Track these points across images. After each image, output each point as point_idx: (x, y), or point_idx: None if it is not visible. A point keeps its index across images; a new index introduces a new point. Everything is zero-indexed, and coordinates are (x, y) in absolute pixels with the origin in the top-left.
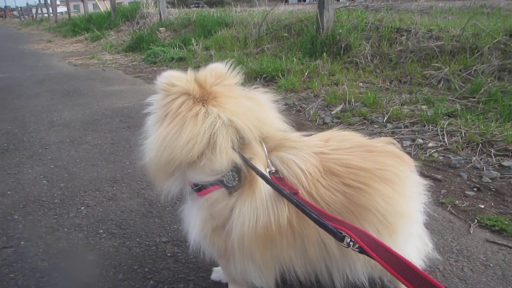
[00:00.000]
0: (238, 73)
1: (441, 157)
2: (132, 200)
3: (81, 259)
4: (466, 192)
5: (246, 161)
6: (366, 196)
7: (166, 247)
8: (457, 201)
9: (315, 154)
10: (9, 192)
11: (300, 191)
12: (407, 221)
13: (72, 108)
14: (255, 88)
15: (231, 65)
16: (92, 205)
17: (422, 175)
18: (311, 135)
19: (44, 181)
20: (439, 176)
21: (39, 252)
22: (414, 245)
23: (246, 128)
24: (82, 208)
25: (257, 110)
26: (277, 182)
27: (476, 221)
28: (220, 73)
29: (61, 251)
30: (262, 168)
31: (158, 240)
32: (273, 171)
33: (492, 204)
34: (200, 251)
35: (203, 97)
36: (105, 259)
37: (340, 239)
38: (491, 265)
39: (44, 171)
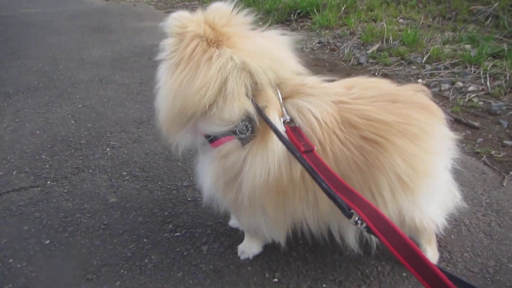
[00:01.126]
0: (246, 13)
1: (481, 102)
2: (156, 142)
3: (104, 201)
4: (504, 141)
5: (260, 111)
6: (384, 154)
7: (187, 191)
8: (493, 151)
9: (333, 103)
10: (38, 132)
11: (315, 148)
12: (430, 180)
13: (102, 45)
14: (271, 28)
15: (236, 4)
16: (117, 146)
17: (458, 122)
18: (334, 80)
19: (72, 121)
20: (476, 124)
21: (64, 193)
22: (438, 202)
23: (261, 70)
24: (108, 149)
25: (273, 50)
26: (292, 134)
27: (511, 173)
28: (226, 13)
29: (85, 192)
30: (276, 117)
31: (180, 184)
32: (288, 120)
33: None
34: (214, 202)
35: (217, 39)
36: (127, 202)
37: (348, 215)
38: None
39: (72, 111)
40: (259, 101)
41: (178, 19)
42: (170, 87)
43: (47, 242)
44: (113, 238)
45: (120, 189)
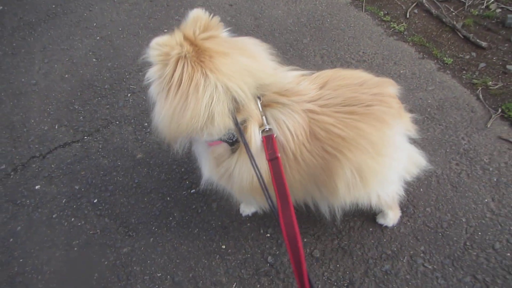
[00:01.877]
0: (219, 20)
1: (498, 10)
2: None
3: (132, 157)
4: (507, 66)
5: (238, 128)
6: (338, 164)
7: None
8: (490, 82)
9: (304, 113)
10: (66, 76)
11: (280, 156)
12: (380, 177)
13: None
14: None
15: (210, 13)
16: (137, 91)
17: (466, 40)
18: (312, 73)
19: (94, 59)
20: (484, 44)
21: (99, 149)
22: (394, 182)
23: (242, 93)
24: (129, 95)
25: (252, 67)
26: (265, 143)
27: (500, 110)
28: (205, 23)
29: (116, 148)
30: (256, 129)
31: None
32: (267, 129)
33: None
34: (210, 183)
35: (199, 57)
36: (151, 158)
37: (277, 217)
38: (490, 169)
39: (92, 46)
40: (242, 115)
41: (158, 48)
42: (165, 114)
43: (95, 201)
44: (143, 196)
45: (144, 143)
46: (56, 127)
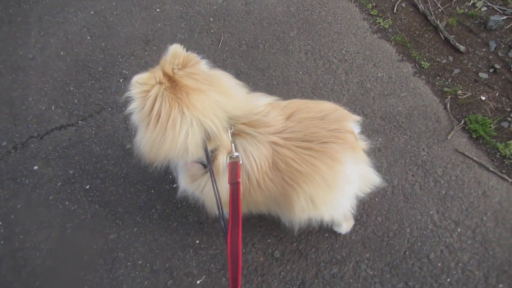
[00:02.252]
0: (198, 56)
1: (484, 8)
2: None
3: (121, 147)
4: (480, 74)
5: (207, 156)
6: (295, 193)
7: None
8: (460, 91)
9: (269, 145)
10: (62, 53)
11: (240, 181)
12: (331, 205)
13: None
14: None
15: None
16: (128, 76)
17: (446, 43)
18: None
19: (88, 37)
20: (462, 48)
21: (92, 135)
22: (346, 204)
23: (214, 126)
24: (121, 80)
25: (224, 103)
26: (230, 169)
27: (462, 122)
28: (183, 59)
29: (108, 135)
30: (224, 155)
31: None
32: (234, 156)
33: (496, 95)
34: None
35: (177, 94)
36: None
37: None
38: (442, 181)
39: (86, 22)
40: (213, 144)
41: (138, 86)
42: (145, 143)
43: (87, 187)
44: (130, 187)
45: (133, 133)
46: (53, 108)
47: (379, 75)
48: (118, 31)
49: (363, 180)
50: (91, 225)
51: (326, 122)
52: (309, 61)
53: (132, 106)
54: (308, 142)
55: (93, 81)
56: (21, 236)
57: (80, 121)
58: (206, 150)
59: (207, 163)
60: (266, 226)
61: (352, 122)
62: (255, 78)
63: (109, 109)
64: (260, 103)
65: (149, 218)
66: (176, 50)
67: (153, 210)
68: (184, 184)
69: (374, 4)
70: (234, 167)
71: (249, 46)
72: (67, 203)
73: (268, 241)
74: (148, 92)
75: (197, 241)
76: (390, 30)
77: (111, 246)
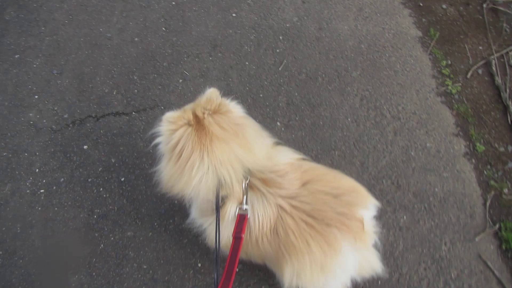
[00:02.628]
0: (231, 101)
1: None
2: (220, 82)
3: None
4: None
5: (216, 203)
6: (285, 263)
7: None
8: (507, 189)
9: (276, 208)
10: (136, 39)
11: (243, 237)
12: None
13: None
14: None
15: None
16: (188, 79)
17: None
18: (302, 159)
19: (163, 28)
20: None
21: (140, 129)
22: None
23: (228, 178)
24: (180, 81)
25: (244, 157)
26: (237, 222)
27: (497, 226)
28: (215, 106)
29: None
30: (234, 205)
31: None
32: (244, 208)
33: None
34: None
35: (201, 138)
36: None
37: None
38: (452, 286)
39: (165, 12)
40: (225, 191)
41: (168, 124)
42: (164, 174)
43: (122, 179)
44: (158, 192)
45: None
46: (114, 93)
47: (427, 145)
48: (191, 28)
49: (363, 265)
50: (115, 217)
51: (338, 202)
52: (362, 109)
53: (159, 140)
54: (313, 218)
55: (155, 75)
56: (56, 209)
57: (134, 112)
58: (217, 196)
59: (215, 209)
60: (265, 272)
61: (365, 209)
62: (303, 113)
63: (162, 107)
64: (282, 161)
65: (165, 227)
66: (212, 95)
67: (171, 221)
68: (194, 214)
69: (449, 62)
70: (241, 219)
71: (308, 77)
72: (101, 189)
73: (262, 287)
74: (175, 131)
75: (199, 264)
76: (456, 96)
77: (125, 243)
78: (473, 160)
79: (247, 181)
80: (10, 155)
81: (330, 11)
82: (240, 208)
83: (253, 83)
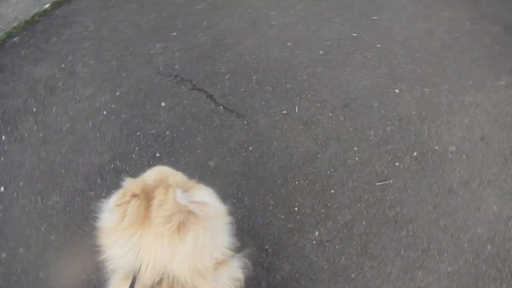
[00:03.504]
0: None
1: None
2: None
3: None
4: None
5: (132, 283)
6: None
7: None
8: None
9: None
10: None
11: None
12: None
13: None
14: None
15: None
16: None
17: None
18: None
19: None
20: None
21: (244, 125)
22: None
23: (144, 267)
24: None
25: (172, 262)
26: None
27: None
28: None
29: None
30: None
31: None
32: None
33: None
34: None
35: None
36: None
37: None
38: None
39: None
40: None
41: (121, 197)
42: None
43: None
44: None
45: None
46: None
47: None
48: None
49: None
50: None
51: None
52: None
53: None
54: None
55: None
56: None
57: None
58: (133, 278)
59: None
60: None
61: None
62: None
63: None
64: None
65: None
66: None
67: None
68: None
69: None
70: None
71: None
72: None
73: None
74: (127, 203)
75: None
76: None
77: None
78: None
79: (157, 280)
80: None
81: None
82: None
83: None
